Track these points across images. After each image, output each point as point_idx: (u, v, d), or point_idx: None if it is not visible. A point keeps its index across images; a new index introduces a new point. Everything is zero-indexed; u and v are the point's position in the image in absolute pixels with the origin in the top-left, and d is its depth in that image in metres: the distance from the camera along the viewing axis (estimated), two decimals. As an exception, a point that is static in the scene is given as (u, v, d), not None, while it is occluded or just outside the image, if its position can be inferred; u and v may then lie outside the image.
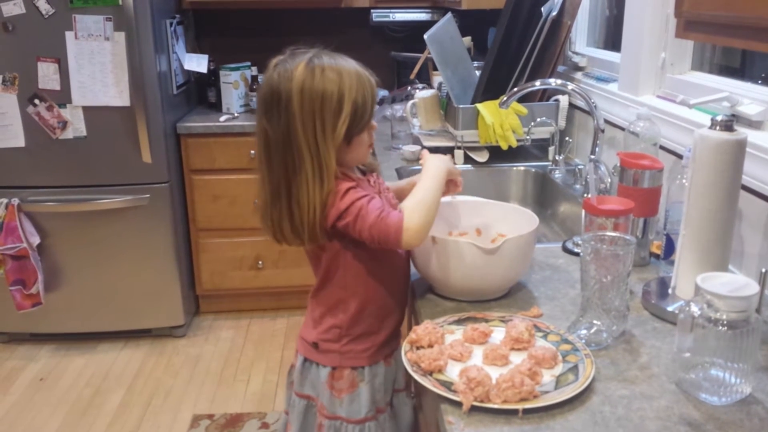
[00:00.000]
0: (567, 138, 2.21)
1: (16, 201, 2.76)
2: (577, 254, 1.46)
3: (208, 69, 3.19)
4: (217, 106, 3.26)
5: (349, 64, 1.22)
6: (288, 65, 1.21)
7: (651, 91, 1.86)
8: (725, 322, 0.94)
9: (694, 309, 0.96)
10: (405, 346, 1.10)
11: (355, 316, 1.32)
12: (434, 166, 1.30)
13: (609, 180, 1.76)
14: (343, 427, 1.35)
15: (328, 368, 1.35)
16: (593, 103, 1.89)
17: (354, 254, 1.28)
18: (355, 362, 1.35)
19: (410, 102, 2.48)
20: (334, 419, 1.35)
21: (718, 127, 1.13)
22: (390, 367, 1.39)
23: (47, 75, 2.68)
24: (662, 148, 1.63)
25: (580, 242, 1.20)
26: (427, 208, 1.21)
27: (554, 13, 2.19)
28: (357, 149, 1.25)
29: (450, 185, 1.36)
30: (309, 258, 1.36)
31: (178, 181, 3.00)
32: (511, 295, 1.32)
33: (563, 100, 2.24)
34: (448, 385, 0.99)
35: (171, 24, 2.94)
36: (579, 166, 2.05)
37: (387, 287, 1.34)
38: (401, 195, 1.33)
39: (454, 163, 1.41)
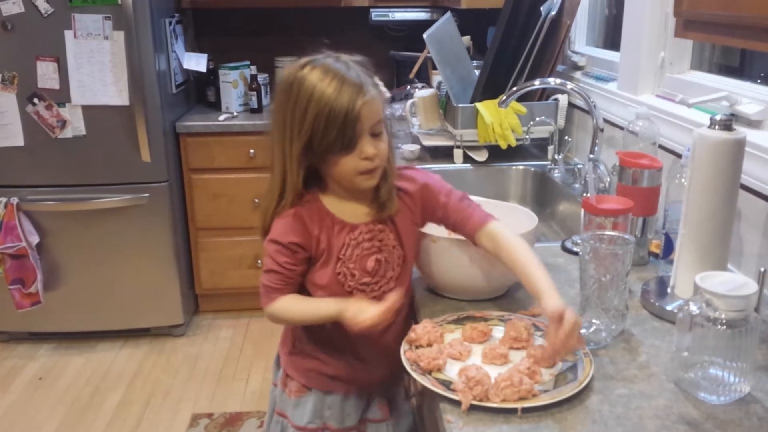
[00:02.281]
0: (566, 137, 2.22)
1: (15, 200, 2.75)
2: (576, 253, 1.46)
3: (207, 68, 3.19)
4: (216, 106, 3.25)
5: (348, 74, 1.09)
6: (302, 60, 1.15)
7: (650, 91, 1.86)
8: (724, 321, 0.94)
9: (693, 308, 0.96)
10: (404, 345, 1.10)
11: (302, 336, 1.32)
12: (339, 309, 1.15)
13: (608, 179, 1.76)
14: (289, 429, 1.34)
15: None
16: (592, 102, 1.89)
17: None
18: (298, 377, 1.33)
19: (409, 101, 2.48)
20: (280, 415, 1.37)
21: (717, 127, 1.13)
22: (349, 400, 1.33)
23: (46, 74, 2.68)
24: (661, 147, 1.63)
25: (579, 241, 1.20)
26: (290, 318, 1.25)
27: (553, 13, 2.19)
28: (335, 170, 1.13)
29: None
30: None
31: (177, 180, 3.00)
32: (510, 294, 1.32)
33: (562, 99, 2.24)
34: (447, 384, 0.99)
35: (170, 23, 2.94)
36: (578, 166, 2.05)
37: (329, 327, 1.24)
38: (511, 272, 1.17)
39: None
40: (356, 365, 1.30)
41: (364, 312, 1.11)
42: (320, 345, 1.30)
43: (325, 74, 1.09)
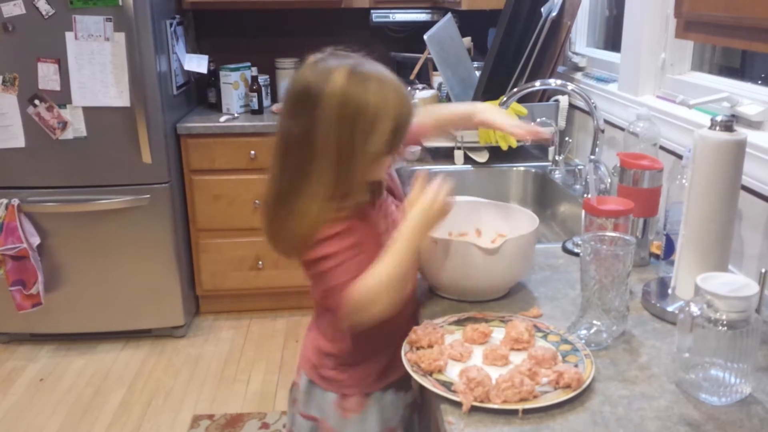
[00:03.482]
0: (567, 138, 2.22)
1: (16, 201, 2.76)
2: (577, 254, 1.46)
3: (208, 69, 3.19)
4: (217, 107, 3.26)
5: (392, 78, 1.11)
6: (329, 65, 1.10)
7: (651, 92, 1.86)
8: (725, 322, 0.94)
9: (694, 309, 0.96)
10: (405, 346, 1.10)
11: (352, 347, 1.26)
12: (414, 223, 1.13)
13: (609, 180, 1.76)
14: None
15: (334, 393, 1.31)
16: (593, 103, 1.89)
17: None
18: (356, 391, 1.29)
19: (410, 102, 2.47)
20: None
21: (717, 128, 1.13)
22: (398, 395, 1.33)
23: (47, 75, 2.68)
24: (662, 148, 1.63)
25: (580, 242, 1.20)
26: (387, 289, 1.09)
27: (554, 14, 2.19)
28: (376, 171, 1.15)
29: None
30: (308, 279, 1.25)
31: (178, 182, 3.00)
32: (510, 296, 1.32)
33: (563, 100, 2.24)
34: (448, 385, 0.99)
35: (171, 24, 2.94)
36: (579, 167, 2.05)
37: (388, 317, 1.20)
38: (449, 124, 1.35)
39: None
40: (398, 338, 1.22)
41: (429, 196, 1.12)
42: (372, 344, 1.25)
43: (382, 85, 1.09)
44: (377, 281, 1.09)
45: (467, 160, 2.23)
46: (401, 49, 3.43)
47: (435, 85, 2.76)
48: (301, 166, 1.11)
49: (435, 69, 2.78)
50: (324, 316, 1.29)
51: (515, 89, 1.95)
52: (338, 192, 1.11)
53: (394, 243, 1.12)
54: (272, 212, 1.17)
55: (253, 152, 2.99)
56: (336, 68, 1.09)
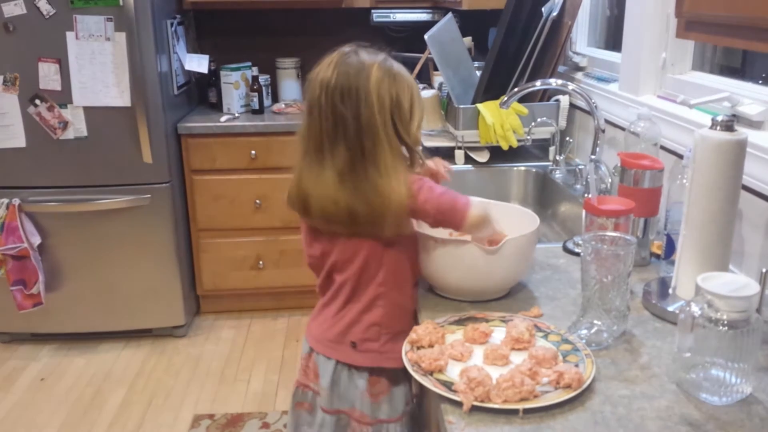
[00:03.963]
0: (567, 138, 2.21)
1: (17, 201, 2.76)
2: (577, 254, 1.46)
3: (209, 69, 3.19)
4: (217, 107, 3.26)
5: (408, 73, 1.30)
6: (363, 60, 1.23)
7: (651, 91, 1.86)
8: (726, 322, 0.94)
9: (695, 309, 0.96)
10: (405, 346, 1.10)
11: (391, 313, 1.32)
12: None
13: (609, 180, 1.76)
14: (385, 428, 1.35)
15: (365, 376, 1.33)
16: (594, 103, 1.89)
17: (395, 249, 1.28)
18: (394, 363, 1.29)
19: (411, 102, 2.47)
20: (376, 424, 1.35)
21: (718, 127, 1.13)
22: None
23: (48, 75, 2.68)
24: (663, 148, 1.63)
25: (580, 242, 1.20)
26: (487, 215, 1.25)
27: (555, 13, 2.19)
28: (419, 131, 1.32)
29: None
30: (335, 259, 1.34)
31: (179, 182, 3.00)
32: (511, 295, 1.32)
33: (564, 100, 2.24)
34: (448, 385, 0.99)
35: (172, 24, 2.94)
36: (579, 166, 2.05)
37: (415, 282, 1.35)
38: None
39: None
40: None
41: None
42: (409, 311, 1.35)
43: (406, 77, 1.28)
44: (480, 205, 1.26)
45: (468, 159, 2.23)
46: (402, 48, 3.42)
47: (436, 85, 2.76)
48: (367, 147, 1.22)
49: (436, 69, 2.79)
50: (361, 286, 1.31)
51: (516, 89, 1.95)
52: (407, 165, 1.28)
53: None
54: (335, 194, 1.24)
55: (253, 152, 2.99)
56: (371, 65, 1.23)
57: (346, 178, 1.23)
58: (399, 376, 1.36)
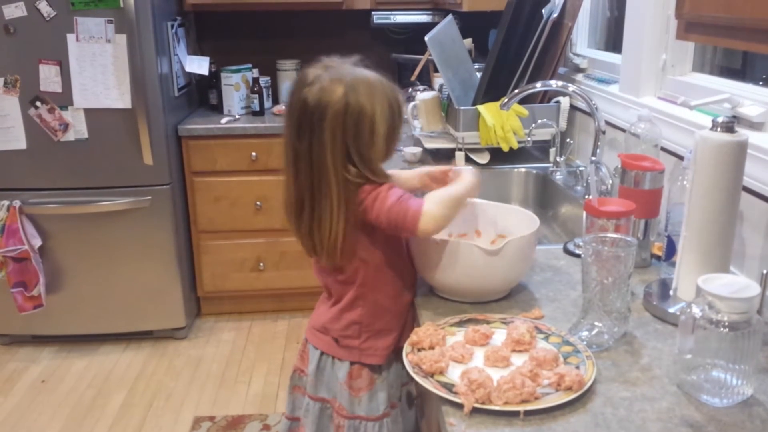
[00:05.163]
0: (568, 139, 2.21)
1: (17, 203, 2.76)
2: (578, 256, 1.46)
3: (210, 71, 3.19)
4: (218, 108, 3.26)
5: (383, 85, 1.23)
6: (323, 83, 1.20)
7: (652, 93, 1.86)
8: (726, 324, 0.94)
9: (696, 310, 0.96)
10: (406, 347, 1.10)
11: (371, 312, 1.33)
12: (470, 181, 1.32)
13: (610, 181, 1.76)
14: (362, 426, 1.36)
15: (346, 367, 1.35)
16: (594, 104, 1.89)
17: (376, 253, 1.29)
18: (374, 359, 1.35)
19: (411, 104, 2.48)
20: (353, 419, 1.36)
21: (719, 129, 1.13)
22: (399, 363, 1.38)
23: (49, 77, 2.68)
24: (663, 149, 1.63)
25: (581, 244, 1.20)
26: (451, 202, 1.24)
27: (555, 15, 2.19)
28: (386, 158, 1.29)
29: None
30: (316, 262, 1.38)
31: (180, 183, 3.00)
32: (512, 297, 1.32)
33: (564, 101, 2.24)
34: (449, 386, 0.99)
35: (172, 26, 2.94)
36: (580, 168, 2.05)
37: (403, 283, 1.35)
38: (405, 187, 1.36)
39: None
40: (407, 308, 1.37)
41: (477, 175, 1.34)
42: (392, 310, 1.34)
43: (373, 96, 1.20)
44: (443, 193, 1.26)
45: (468, 161, 2.23)
46: (402, 50, 3.43)
47: (436, 86, 2.76)
48: (314, 182, 1.22)
49: (436, 70, 2.78)
50: (344, 287, 1.34)
51: (516, 90, 1.95)
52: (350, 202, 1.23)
53: (453, 184, 1.30)
54: (296, 219, 1.28)
55: (254, 154, 2.99)
56: (331, 85, 1.19)
57: (300, 208, 1.27)
58: (384, 375, 1.36)
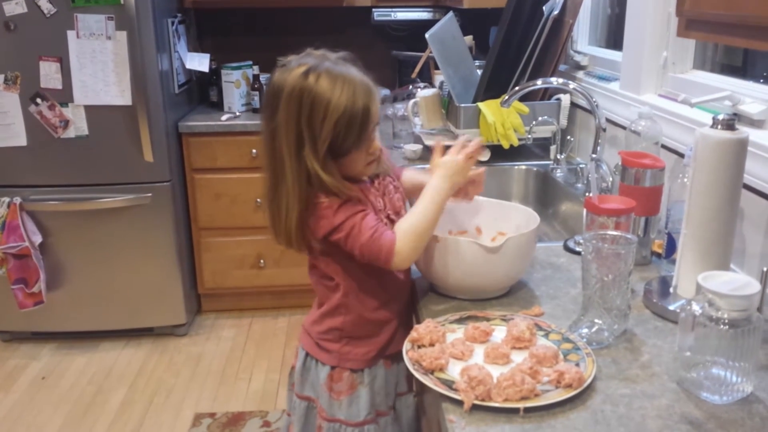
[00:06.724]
0: (568, 137, 2.21)
1: (18, 200, 2.76)
2: (578, 253, 1.46)
3: (210, 68, 3.19)
4: (218, 105, 3.26)
5: (352, 76, 1.17)
6: (292, 65, 1.19)
7: (653, 90, 1.86)
8: (726, 321, 0.94)
9: (696, 308, 0.96)
10: (406, 345, 1.10)
11: (354, 321, 1.31)
12: (438, 187, 1.23)
13: (610, 179, 1.76)
14: (342, 430, 1.34)
15: (327, 369, 1.34)
16: (595, 102, 1.89)
17: (353, 265, 1.26)
18: (354, 364, 1.34)
19: (412, 101, 2.48)
20: (333, 422, 1.35)
21: (719, 126, 1.13)
22: (390, 370, 1.38)
23: (49, 74, 2.68)
24: (664, 147, 1.63)
25: (581, 241, 1.20)
26: (419, 235, 1.19)
27: (556, 12, 2.18)
28: (349, 166, 1.21)
29: (470, 187, 1.33)
30: (309, 263, 1.36)
31: (180, 180, 3.00)
32: (512, 294, 1.32)
33: (565, 99, 2.24)
34: (449, 383, 0.99)
35: (173, 23, 2.94)
36: (580, 165, 2.05)
37: (388, 295, 1.33)
38: (417, 192, 1.29)
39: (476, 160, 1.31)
40: (396, 316, 1.35)
41: (455, 170, 1.25)
42: (373, 320, 1.32)
43: (334, 81, 1.15)
44: (411, 224, 1.20)
45: (469, 158, 2.23)
46: (403, 47, 3.43)
47: (436, 83, 2.76)
48: (274, 166, 1.19)
49: (437, 67, 2.78)
50: (326, 293, 1.33)
51: (517, 88, 1.95)
52: (308, 186, 1.18)
53: (421, 198, 1.23)
54: (267, 210, 1.25)
55: (254, 151, 2.99)
56: (296, 68, 1.17)
57: (269, 196, 1.24)
58: (368, 381, 1.34)
